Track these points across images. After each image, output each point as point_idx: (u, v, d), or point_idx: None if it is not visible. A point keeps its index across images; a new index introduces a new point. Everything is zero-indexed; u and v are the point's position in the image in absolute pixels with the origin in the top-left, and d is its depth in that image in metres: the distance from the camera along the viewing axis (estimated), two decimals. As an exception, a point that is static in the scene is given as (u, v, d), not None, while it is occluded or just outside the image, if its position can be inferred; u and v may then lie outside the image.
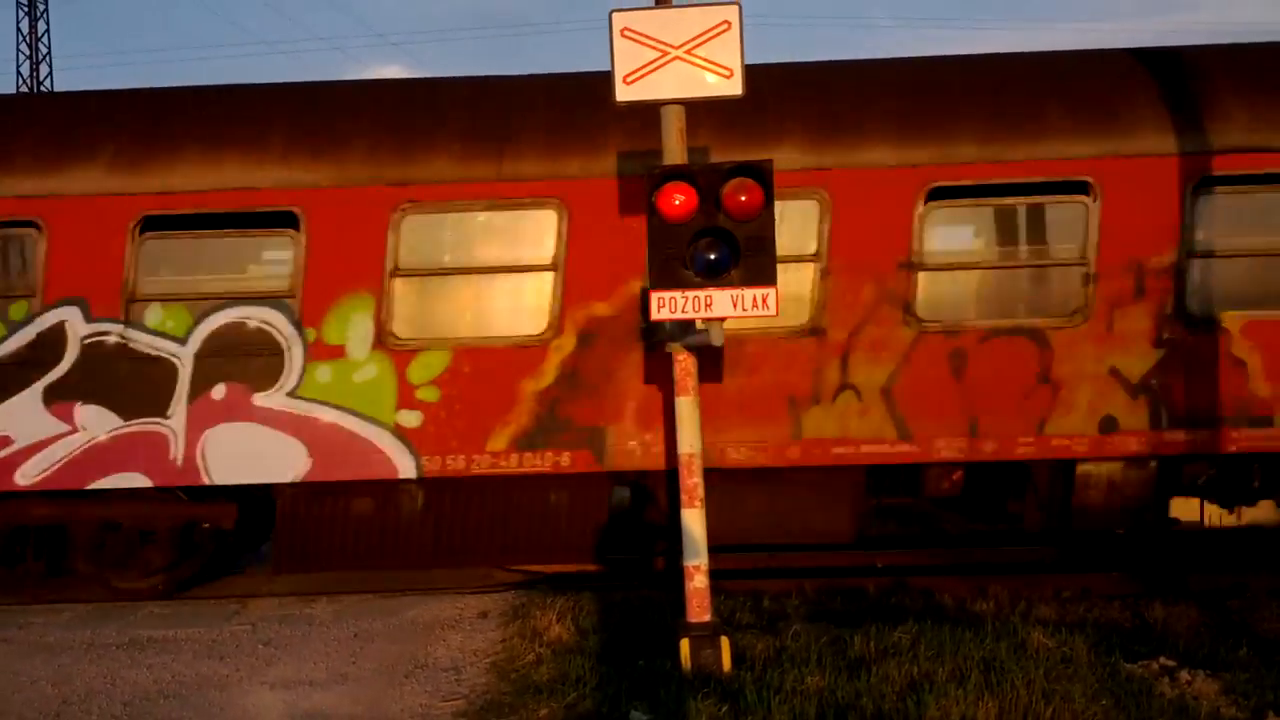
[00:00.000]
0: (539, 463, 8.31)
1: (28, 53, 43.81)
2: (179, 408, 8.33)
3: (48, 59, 44.28)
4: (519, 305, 8.44)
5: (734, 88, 6.38)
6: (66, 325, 8.34)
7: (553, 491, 8.64)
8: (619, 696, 6.04)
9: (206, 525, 8.96)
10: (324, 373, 8.29)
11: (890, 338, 8.22)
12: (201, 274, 8.72)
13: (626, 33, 6.37)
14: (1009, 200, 8.39)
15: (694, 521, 6.46)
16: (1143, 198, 8.15)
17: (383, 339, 8.30)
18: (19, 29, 43.85)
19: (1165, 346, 8.16)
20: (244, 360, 8.31)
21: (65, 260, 8.33)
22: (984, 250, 8.69)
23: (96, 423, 8.35)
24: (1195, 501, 8.80)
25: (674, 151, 6.48)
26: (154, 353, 8.34)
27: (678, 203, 6.12)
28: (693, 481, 6.48)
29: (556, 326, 8.28)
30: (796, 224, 8.23)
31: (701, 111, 7.04)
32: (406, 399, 8.30)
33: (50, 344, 8.34)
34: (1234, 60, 8.64)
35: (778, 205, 6.30)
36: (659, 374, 8.09)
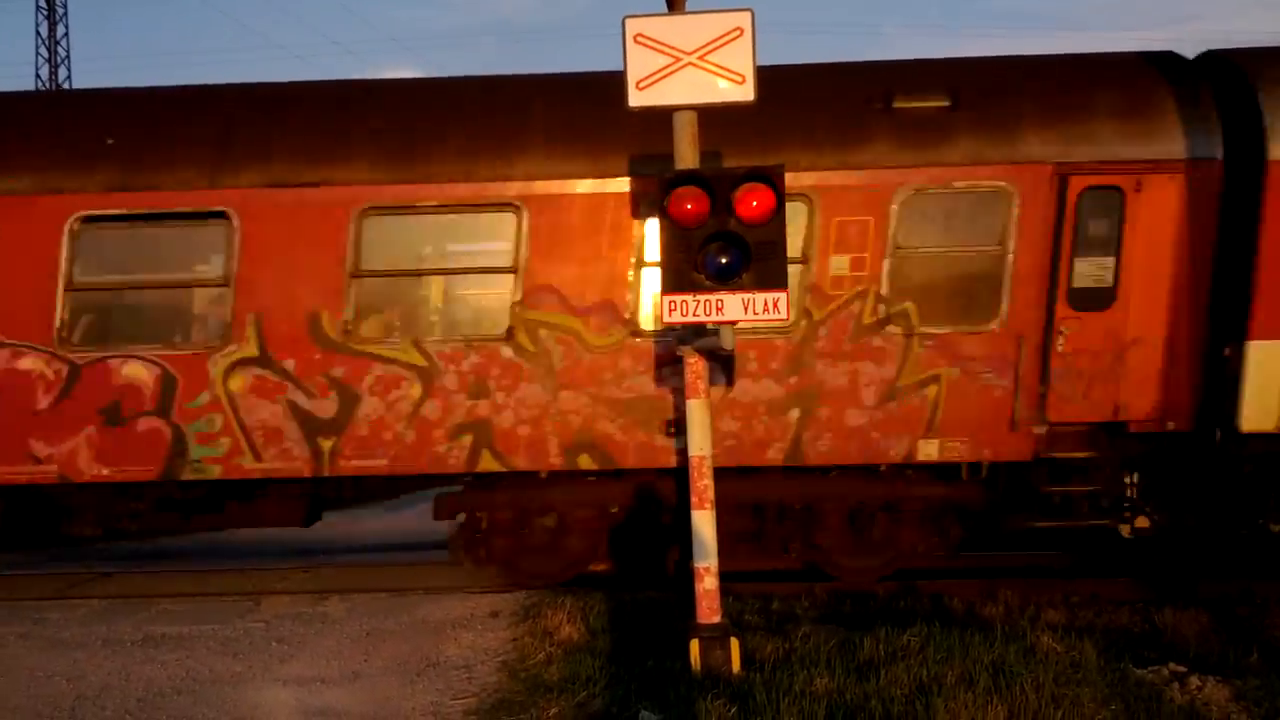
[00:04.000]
0: None
1: (47, 55, 44.12)
2: None
3: (67, 61, 44.58)
4: None
5: (746, 93, 6.39)
6: None
7: None
8: (629, 696, 6.08)
9: None
10: None
11: None
12: None
13: (640, 39, 6.39)
14: None
15: (704, 523, 6.49)
16: None
17: None
18: (38, 32, 44.11)
19: None
20: None
21: None
22: None
23: None
24: None
25: (685, 156, 6.51)
26: None
27: (689, 207, 6.16)
28: (703, 484, 6.51)
29: None
30: None
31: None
32: None
33: None
34: None
35: None
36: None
